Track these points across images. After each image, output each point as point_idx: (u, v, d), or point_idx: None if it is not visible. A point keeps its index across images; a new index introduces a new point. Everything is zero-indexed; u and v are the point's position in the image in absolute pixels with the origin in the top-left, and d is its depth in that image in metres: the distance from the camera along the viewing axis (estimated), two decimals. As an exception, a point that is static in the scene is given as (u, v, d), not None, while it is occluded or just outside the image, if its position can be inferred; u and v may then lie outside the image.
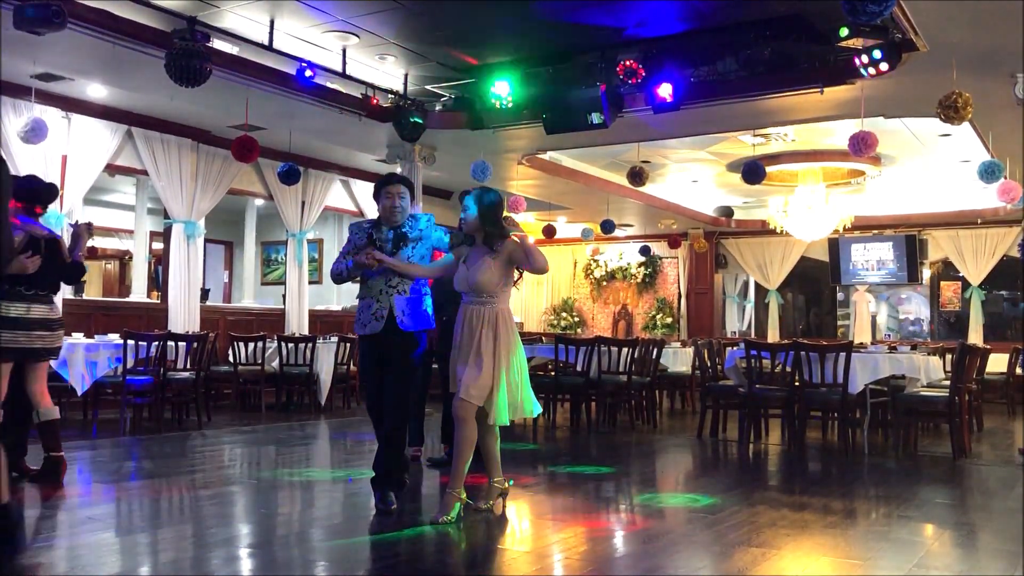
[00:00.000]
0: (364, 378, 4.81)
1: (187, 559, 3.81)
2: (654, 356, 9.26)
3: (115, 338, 8.01)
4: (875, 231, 15.52)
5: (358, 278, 4.78)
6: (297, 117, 9.22)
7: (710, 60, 7.81)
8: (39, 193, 5.31)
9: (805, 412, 7.39)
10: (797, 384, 7.26)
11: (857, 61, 7.03)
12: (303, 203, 12.26)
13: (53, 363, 6.46)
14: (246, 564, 3.78)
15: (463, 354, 4.47)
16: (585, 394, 8.75)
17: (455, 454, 4.44)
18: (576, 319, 18.15)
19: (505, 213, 4.96)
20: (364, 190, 13.05)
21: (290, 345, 9.81)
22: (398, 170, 10.74)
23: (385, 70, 8.63)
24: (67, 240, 5.46)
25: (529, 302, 18.43)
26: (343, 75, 8.39)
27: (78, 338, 8.02)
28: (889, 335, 15.90)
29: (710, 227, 16.27)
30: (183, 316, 10.59)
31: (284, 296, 12.62)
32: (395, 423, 4.68)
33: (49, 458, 5.28)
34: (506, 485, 4.70)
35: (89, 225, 5.54)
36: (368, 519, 4.51)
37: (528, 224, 15.75)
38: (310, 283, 12.77)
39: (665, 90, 7.84)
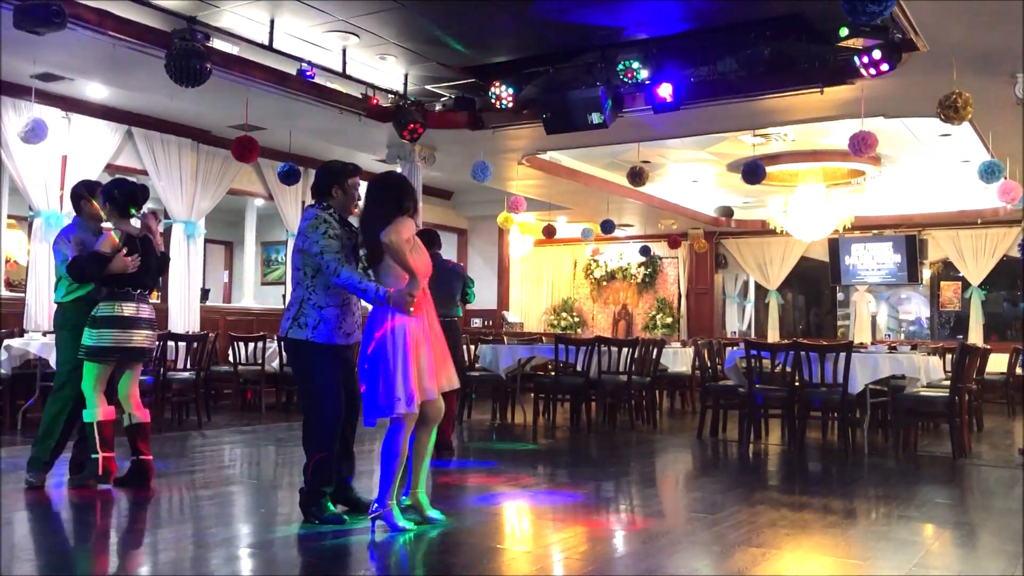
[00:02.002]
0: (336, 393, 4.30)
1: (187, 559, 3.81)
2: (654, 356, 9.25)
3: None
4: (875, 231, 15.51)
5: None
6: (297, 117, 9.22)
7: (710, 60, 7.82)
8: (134, 195, 5.27)
9: (805, 412, 7.39)
10: (797, 384, 7.27)
11: (857, 61, 7.02)
12: (303, 203, 12.25)
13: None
14: (246, 564, 3.79)
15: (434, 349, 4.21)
16: (585, 394, 8.74)
17: (425, 454, 4.31)
18: (576, 319, 18.14)
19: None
20: (364, 190, 13.02)
21: (290, 345, 9.78)
22: (398, 170, 10.73)
23: (385, 70, 8.63)
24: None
25: (529, 302, 18.43)
26: (343, 75, 8.39)
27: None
28: (889, 335, 15.90)
29: (710, 227, 16.26)
30: (183, 316, 10.59)
31: (284, 296, 12.62)
32: (352, 439, 4.54)
33: (137, 461, 5.27)
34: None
35: (155, 213, 5.50)
36: (367, 519, 4.49)
37: (528, 224, 15.76)
38: (310, 283, 12.73)
39: (665, 90, 7.84)
